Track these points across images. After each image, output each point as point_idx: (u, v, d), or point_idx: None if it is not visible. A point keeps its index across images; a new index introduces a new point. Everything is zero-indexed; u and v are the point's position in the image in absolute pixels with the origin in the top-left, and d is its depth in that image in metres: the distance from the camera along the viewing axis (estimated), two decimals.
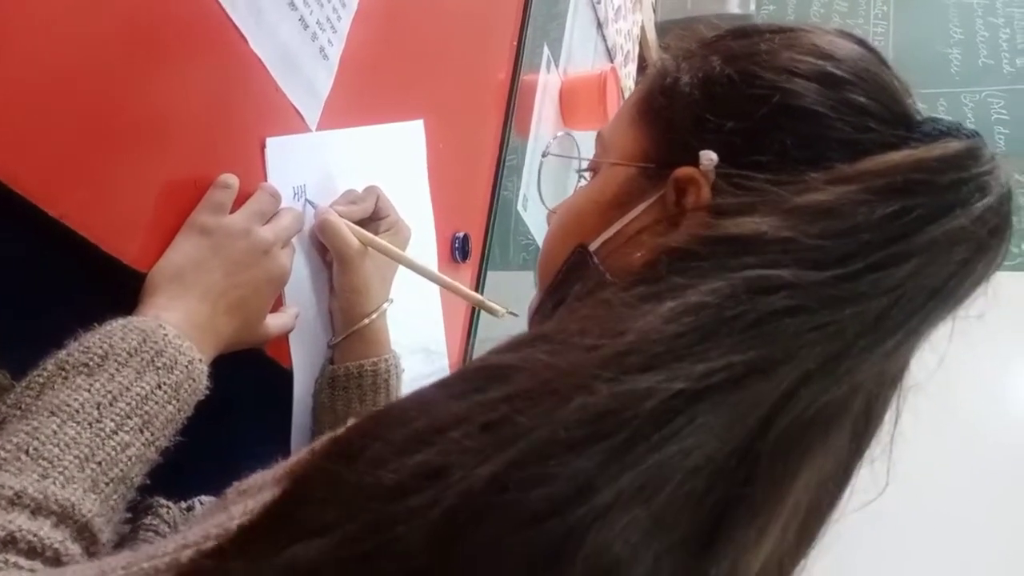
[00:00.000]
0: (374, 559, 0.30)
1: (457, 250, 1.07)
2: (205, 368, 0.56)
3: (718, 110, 0.48)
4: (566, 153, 1.47)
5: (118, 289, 0.57)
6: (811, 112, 0.46)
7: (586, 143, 1.67)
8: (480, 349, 1.10)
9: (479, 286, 1.17)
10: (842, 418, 0.41)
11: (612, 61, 1.77)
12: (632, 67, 1.95)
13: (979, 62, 2.61)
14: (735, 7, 2.35)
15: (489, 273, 1.19)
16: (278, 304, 0.70)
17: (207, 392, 0.56)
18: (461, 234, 1.08)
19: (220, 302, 0.59)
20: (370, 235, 0.75)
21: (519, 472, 0.32)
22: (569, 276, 0.52)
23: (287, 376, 0.73)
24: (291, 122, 0.73)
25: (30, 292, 0.53)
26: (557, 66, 1.48)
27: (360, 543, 0.31)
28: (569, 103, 1.49)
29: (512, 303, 1.38)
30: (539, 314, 0.56)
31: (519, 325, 1.41)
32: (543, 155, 0.66)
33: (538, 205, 1.42)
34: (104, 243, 0.54)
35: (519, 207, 1.35)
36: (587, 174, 0.58)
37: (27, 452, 0.44)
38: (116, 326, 0.52)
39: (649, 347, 0.36)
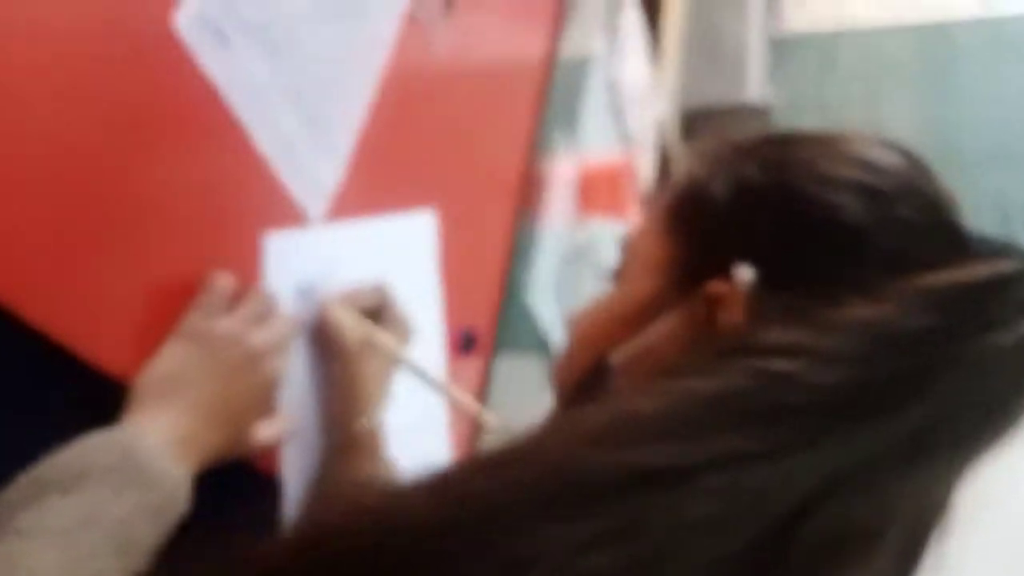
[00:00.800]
0: None
1: (463, 344, 1.04)
2: (188, 485, 0.52)
3: (753, 221, 0.45)
4: (590, 251, 1.42)
5: (105, 398, 0.54)
6: (852, 227, 0.43)
7: (602, 228, 1.65)
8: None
9: (488, 380, 1.12)
10: (878, 545, 0.37)
11: (630, 149, 1.76)
12: (651, 155, 1.94)
13: (1000, 148, 2.59)
14: (754, 96, 2.35)
15: (500, 358, 1.15)
16: (271, 412, 0.65)
17: (189, 508, 0.52)
18: (469, 326, 1.04)
19: (207, 413, 0.56)
20: (373, 329, 0.72)
21: (459, 518, 0.33)
22: (586, 390, 0.49)
23: (278, 486, 0.68)
24: (294, 215, 0.71)
25: (7, 402, 0.49)
26: (573, 153, 1.47)
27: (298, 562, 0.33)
28: (585, 191, 1.47)
29: (522, 390, 1.34)
30: None
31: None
32: (568, 255, 0.63)
33: (551, 295, 1.40)
34: (86, 352, 0.51)
35: (531, 298, 1.32)
36: (613, 277, 0.55)
37: None
38: (96, 440, 0.49)
39: (637, 425, 0.34)
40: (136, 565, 0.47)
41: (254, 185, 0.65)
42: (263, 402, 0.62)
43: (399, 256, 0.88)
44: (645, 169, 1.84)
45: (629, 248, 0.52)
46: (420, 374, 0.73)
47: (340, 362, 0.70)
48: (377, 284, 0.76)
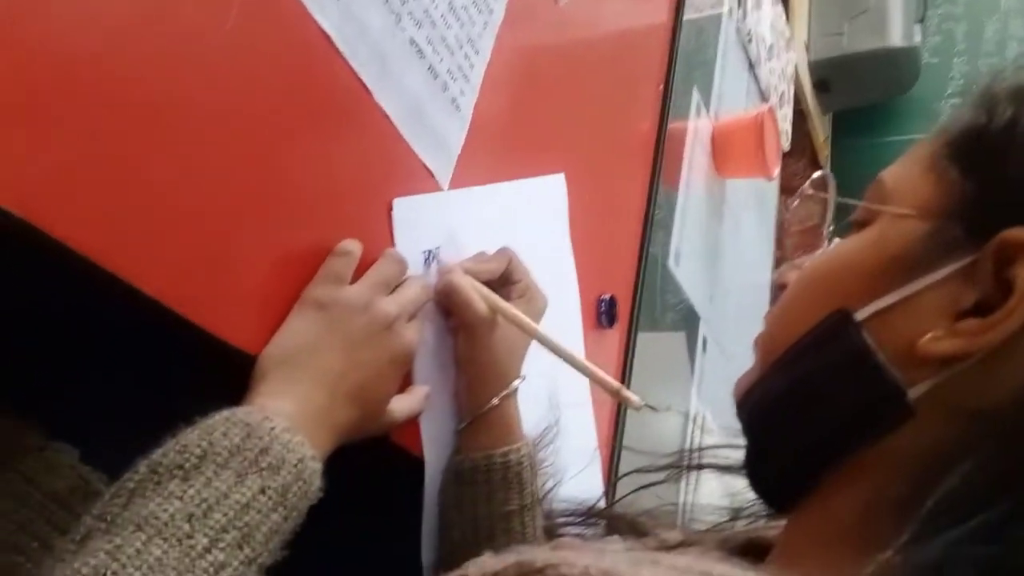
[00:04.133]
0: None
1: (603, 314, 0.98)
2: (319, 467, 0.48)
3: None
4: (730, 211, 1.32)
5: (231, 374, 0.51)
6: None
7: (739, 191, 1.56)
8: (629, 438, 0.98)
9: (629, 351, 1.06)
10: None
11: (767, 102, 1.65)
12: (788, 109, 1.81)
13: None
14: (898, 40, 2.18)
15: (639, 335, 1.09)
16: (406, 383, 0.62)
17: (322, 492, 0.48)
18: (607, 296, 0.99)
19: (338, 387, 0.52)
20: (501, 301, 0.66)
21: None
22: (818, 349, 0.42)
23: (418, 465, 0.65)
24: (421, 181, 0.67)
25: (131, 381, 0.47)
26: (708, 111, 1.38)
27: None
28: (723, 149, 1.38)
29: (663, 366, 1.27)
30: (757, 392, 0.46)
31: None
32: (795, 196, 0.54)
33: (692, 260, 1.32)
34: (209, 324, 0.47)
35: (671, 262, 1.25)
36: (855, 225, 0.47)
37: None
38: (218, 420, 0.45)
39: None
40: (261, 556, 0.43)
41: (380, 149, 0.62)
42: (398, 372, 0.58)
43: (530, 220, 0.83)
44: (784, 124, 1.73)
45: (885, 189, 0.44)
46: (554, 348, 0.67)
47: (469, 331, 0.66)
48: (503, 249, 0.71)
